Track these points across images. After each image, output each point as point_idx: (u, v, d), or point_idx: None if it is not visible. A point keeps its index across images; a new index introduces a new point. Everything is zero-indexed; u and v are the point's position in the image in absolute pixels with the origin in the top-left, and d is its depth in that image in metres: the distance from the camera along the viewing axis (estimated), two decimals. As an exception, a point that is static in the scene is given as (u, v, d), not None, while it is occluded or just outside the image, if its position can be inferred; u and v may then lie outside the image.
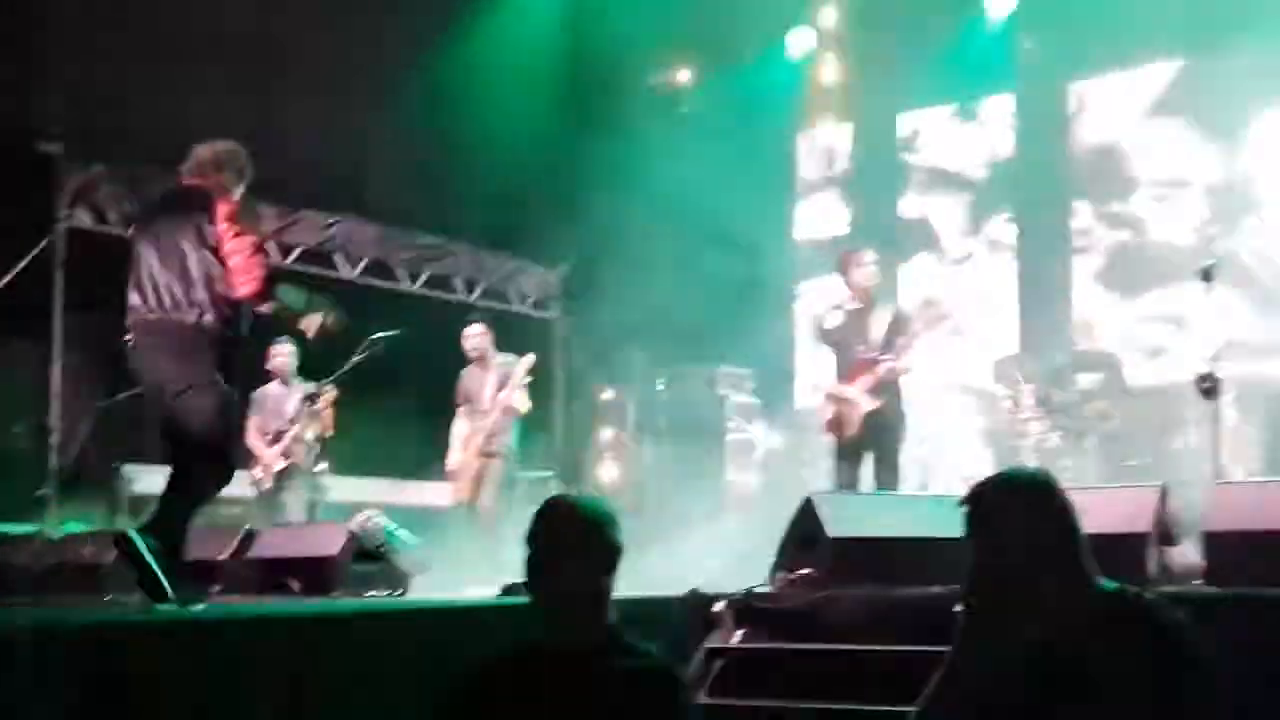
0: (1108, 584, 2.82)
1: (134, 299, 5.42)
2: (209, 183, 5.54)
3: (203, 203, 5.41)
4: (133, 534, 5.00)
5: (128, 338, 5.45)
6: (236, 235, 5.33)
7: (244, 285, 5.31)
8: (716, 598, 5.61)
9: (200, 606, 5.00)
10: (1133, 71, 12.11)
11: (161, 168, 10.59)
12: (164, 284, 5.33)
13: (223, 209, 5.37)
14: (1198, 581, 4.79)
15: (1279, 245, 10.85)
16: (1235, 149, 11.43)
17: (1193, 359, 8.28)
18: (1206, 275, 6.50)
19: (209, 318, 5.28)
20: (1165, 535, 4.92)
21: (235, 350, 5.42)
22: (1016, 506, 2.82)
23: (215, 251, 5.31)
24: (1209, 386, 6.35)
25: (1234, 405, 8.07)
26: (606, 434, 12.79)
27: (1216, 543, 4.74)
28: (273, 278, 5.60)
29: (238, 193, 5.61)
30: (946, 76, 12.55)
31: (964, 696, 2.85)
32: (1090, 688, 2.67)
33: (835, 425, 8.13)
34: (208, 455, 5.30)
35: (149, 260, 5.40)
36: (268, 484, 9.30)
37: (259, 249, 5.50)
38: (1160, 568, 4.79)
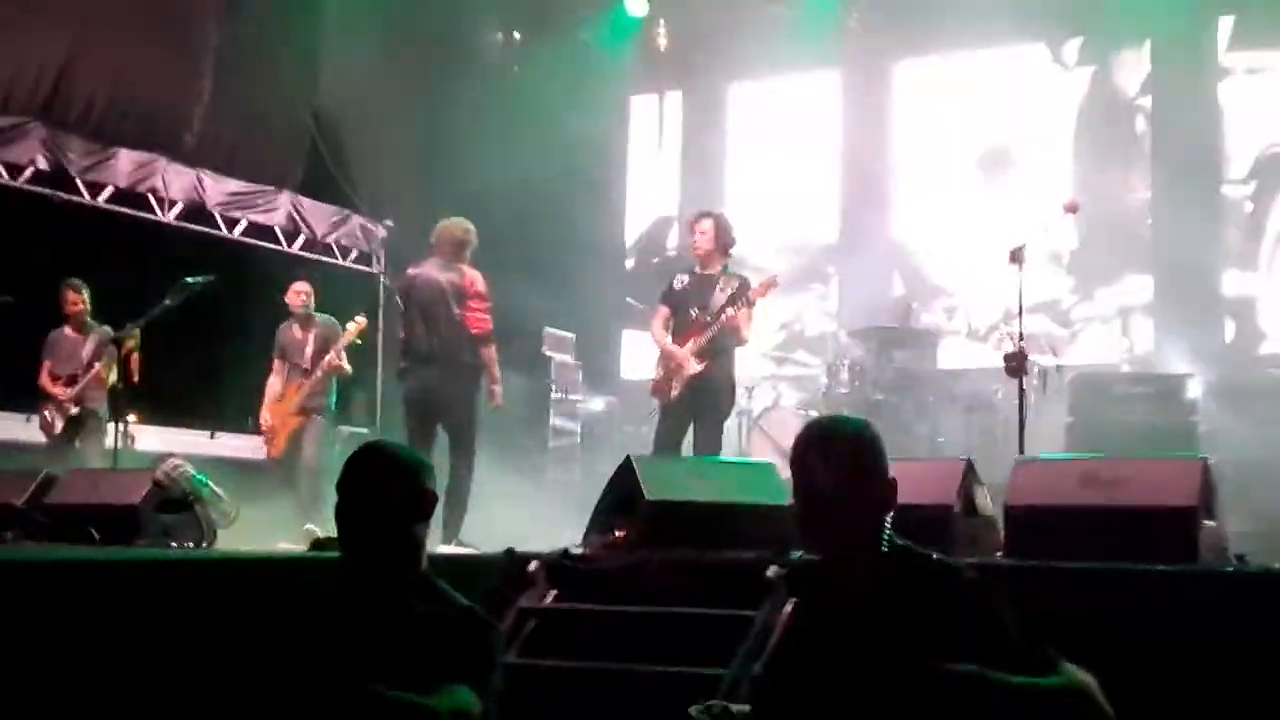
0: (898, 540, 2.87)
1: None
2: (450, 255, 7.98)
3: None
4: None
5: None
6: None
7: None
8: (532, 558, 5.58)
9: None
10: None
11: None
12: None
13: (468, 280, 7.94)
14: (997, 554, 4.94)
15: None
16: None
17: (1001, 339, 8.58)
18: (1014, 257, 6.63)
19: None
20: (969, 507, 5.06)
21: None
22: (841, 453, 2.84)
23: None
24: (1015, 365, 6.55)
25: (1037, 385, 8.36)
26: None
27: (1015, 516, 4.87)
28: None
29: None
30: (778, 48, 12.65)
31: (799, 654, 2.88)
32: (891, 637, 2.70)
33: (661, 386, 8.08)
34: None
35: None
36: (58, 428, 9.07)
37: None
38: (964, 539, 4.93)
